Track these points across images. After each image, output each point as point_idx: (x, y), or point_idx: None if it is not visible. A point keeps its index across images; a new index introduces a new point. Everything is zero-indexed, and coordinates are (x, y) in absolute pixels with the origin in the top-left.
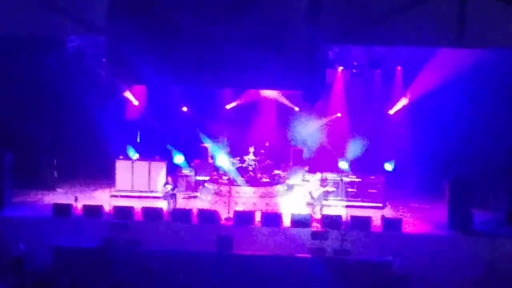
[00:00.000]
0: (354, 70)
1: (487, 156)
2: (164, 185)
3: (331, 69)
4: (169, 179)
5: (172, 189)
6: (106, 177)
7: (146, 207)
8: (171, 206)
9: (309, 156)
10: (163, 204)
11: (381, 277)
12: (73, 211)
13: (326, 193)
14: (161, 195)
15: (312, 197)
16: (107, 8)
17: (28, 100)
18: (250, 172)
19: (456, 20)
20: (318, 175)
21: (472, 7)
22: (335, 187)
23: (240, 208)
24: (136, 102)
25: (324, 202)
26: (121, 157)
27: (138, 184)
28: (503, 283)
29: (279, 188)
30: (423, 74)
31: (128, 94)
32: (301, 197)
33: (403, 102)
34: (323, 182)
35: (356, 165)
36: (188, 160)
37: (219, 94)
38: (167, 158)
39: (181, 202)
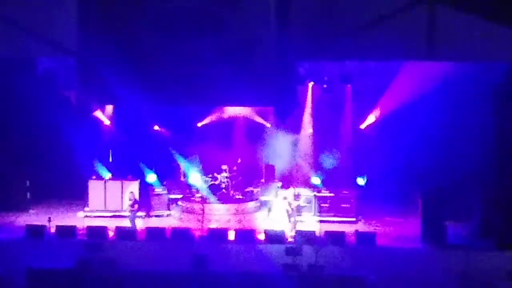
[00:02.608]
0: (324, 86)
1: (459, 168)
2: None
3: (302, 84)
4: (131, 195)
5: (132, 205)
6: (79, 197)
7: (120, 227)
8: (133, 224)
9: (282, 172)
10: (127, 223)
11: None
12: (47, 232)
13: (299, 208)
14: (128, 213)
15: (290, 209)
16: (77, 28)
17: None
18: (223, 190)
19: (426, 33)
20: (291, 190)
21: (441, 20)
22: (308, 202)
23: (213, 225)
24: (107, 122)
25: (297, 218)
26: (93, 177)
27: (111, 203)
28: None
29: (252, 204)
30: (393, 88)
31: (99, 114)
32: (276, 211)
33: (374, 116)
34: (296, 197)
35: (329, 180)
36: (161, 178)
37: (191, 112)
38: (140, 177)
39: (155, 221)
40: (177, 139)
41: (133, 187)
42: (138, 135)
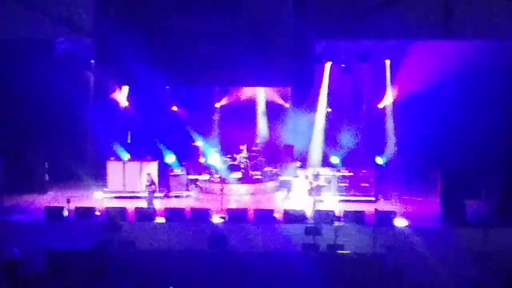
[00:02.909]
0: (342, 65)
1: (478, 146)
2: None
3: (320, 64)
4: (148, 176)
5: (149, 186)
6: (98, 179)
7: (139, 208)
8: (150, 205)
9: (301, 152)
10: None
11: (375, 271)
12: (66, 213)
13: (319, 188)
14: (146, 194)
15: (310, 188)
16: (95, 9)
17: (17, 103)
18: (242, 170)
19: (443, 11)
20: (310, 170)
21: None
22: (327, 182)
23: (232, 206)
24: (125, 103)
25: (317, 197)
26: (112, 158)
27: (130, 184)
28: (497, 273)
29: (271, 184)
30: (412, 67)
31: (117, 95)
32: (295, 191)
33: (392, 95)
34: (316, 177)
35: (348, 160)
36: (179, 159)
37: (209, 92)
38: (158, 157)
39: (174, 201)
40: (196, 119)
41: (152, 168)
42: (156, 116)
